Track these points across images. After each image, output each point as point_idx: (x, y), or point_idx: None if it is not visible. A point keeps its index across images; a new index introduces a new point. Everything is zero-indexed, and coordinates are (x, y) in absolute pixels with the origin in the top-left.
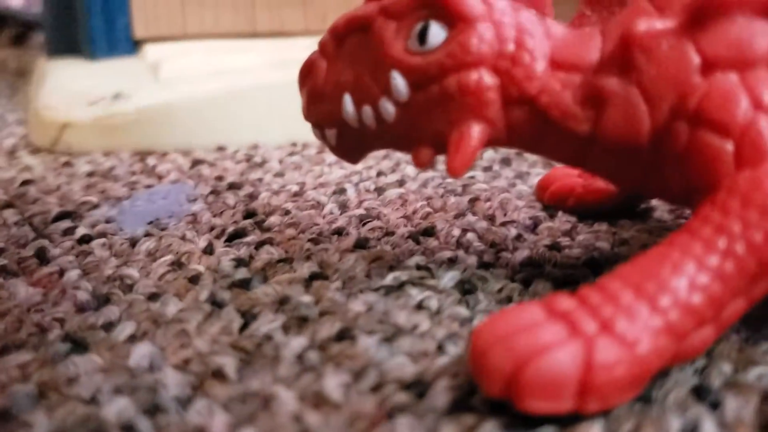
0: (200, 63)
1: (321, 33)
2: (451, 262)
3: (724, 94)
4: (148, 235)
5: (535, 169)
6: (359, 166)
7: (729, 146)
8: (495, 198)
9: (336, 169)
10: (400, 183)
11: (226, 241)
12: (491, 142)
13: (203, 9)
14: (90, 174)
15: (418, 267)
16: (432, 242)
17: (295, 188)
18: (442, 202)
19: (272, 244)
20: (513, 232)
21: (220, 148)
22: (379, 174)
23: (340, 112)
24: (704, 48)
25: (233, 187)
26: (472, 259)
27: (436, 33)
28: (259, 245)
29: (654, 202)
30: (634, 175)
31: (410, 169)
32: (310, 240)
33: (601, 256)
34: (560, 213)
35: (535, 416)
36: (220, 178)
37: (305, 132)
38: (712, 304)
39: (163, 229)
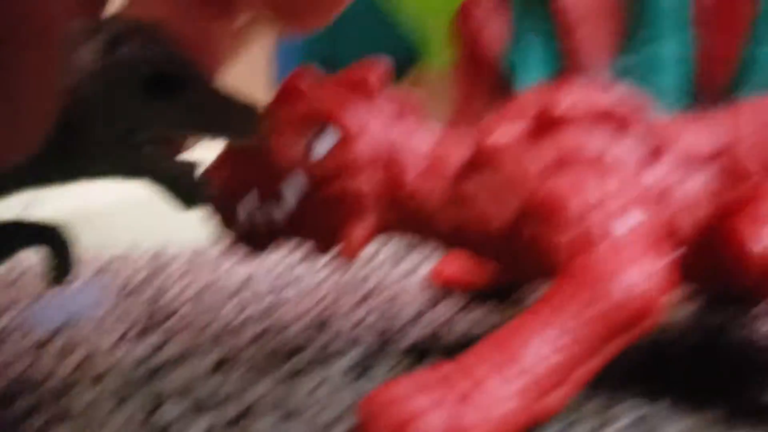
0: None
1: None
2: (346, 350)
3: (560, 194)
4: (56, 333)
5: (425, 263)
6: (257, 268)
7: (565, 239)
8: (386, 291)
9: (237, 271)
10: (297, 281)
11: (131, 340)
12: (374, 236)
13: None
14: None
15: (315, 355)
16: (328, 334)
17: (195, 291)
18: (335, 298)
19: (170, 342)
20: (404, 320)
21: (125, 253)
22: (277, 277)
23: (245, 207)
24: (544, 155)
25: (138, 290)
26: (365, 347)
27: (323, 144)
28: (162, 343)
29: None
30: (495, 263)
31: (303, 270)
32: (211, 336)
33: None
34: (452, 296)
35: None
36: (126, 281)
37: (206, 236)
38: (557, 371)
39: (71, 328)
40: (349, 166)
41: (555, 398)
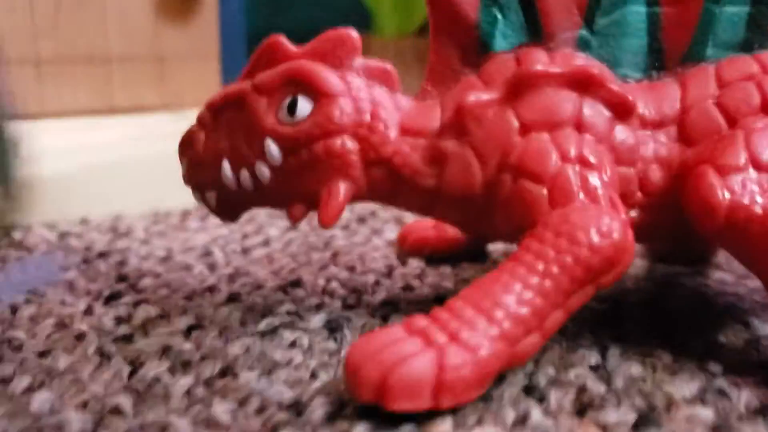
0: (61, 139)
1: (177, 108)
2: (318, 307)
3: (538, 150)
4: (28, 302)
5: (387, 225)
6: (224, 230)
7: (544, 191)
8: (354, 251)
9: (200, 235)
10: (265, 243)
11: (104, 303)
12: (355, 197)
13: (61, 86)
14: None
15: (289, 313)
16: (300, 292)
17: (162, 253)
18: (306, 258)
19: (148, 303)
20: (372, 278)
21: (84, 221)
22: (244, 237)
23: (220, 177)
24: (521, 114)
25: (103, 255)
26: (337, 303)
27: (303, 106)
28: (135, 305)
29: (491, 246)
30: (472, 220)
31: (273, 231)
32: (184, 298)
33: (446, 294)
34: (411, 260)
35: (399, 415)
36: (89, 248)
37: (166, 202)
38: (536, 315)
39: (41, 296)
40: (332, 126)
41: (532, 341)
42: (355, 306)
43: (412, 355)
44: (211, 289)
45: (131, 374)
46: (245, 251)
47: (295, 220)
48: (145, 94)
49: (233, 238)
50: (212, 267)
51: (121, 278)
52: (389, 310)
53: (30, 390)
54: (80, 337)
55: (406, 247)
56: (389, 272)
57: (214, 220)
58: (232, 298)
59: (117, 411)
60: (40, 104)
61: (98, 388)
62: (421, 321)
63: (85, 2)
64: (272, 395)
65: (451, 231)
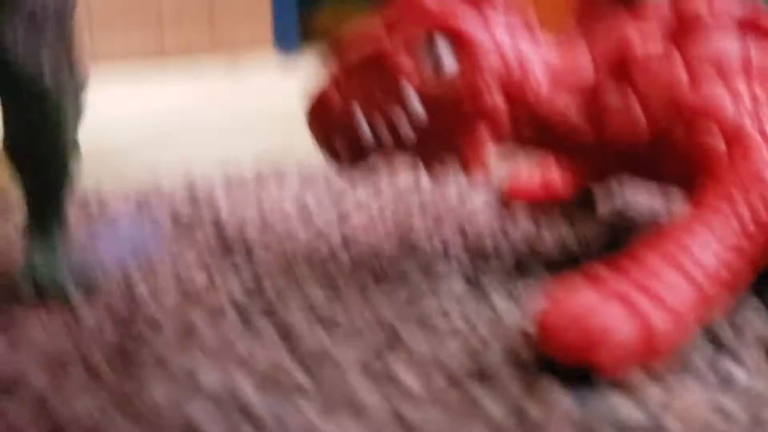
0: (122, 94)
1: (227, 51)
2: (449, 272)
3: (714, 101)
4: (141, 275)
5: (473, 190)
6: (309, 197)
7: (722, 144)
8: (455, 215)
9: (287, 202)
10: (359, 208)
11: (220, 275)
12: (499, 144)
13: (112, 31)
14: None
15: (423, 279)
16: (421, 257)
17: (258, 222)
18: (408, 223)
19: (271, 275)
20: (489, 242)
21: (157, 187)
22: (335, 202)
23: (357, 133)
24: (690, 61)
25: (195, 224)
26: (468, 268)
27: (451, 62)
28: (259, 276)
29: (600, 207)
30: (634, 170)
31: (361, 195)
32: (307, 267)
33: (577, 255)
34: (520, 223)
35: (603, 381)
36: (176, 217)
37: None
38: (731, 273)
39: (151, 269)
40: (482, 83)
41: (724, 298)
42: (487, 271)
43: (619, 322)
44: (331, 258)
45: (292, 348)
46: (342, 217)
47: (435, 176)
48: (195, 36)
49: (323, 204)
50: (319, 235)
51: (227, 248)
52: (528, 273)
53: (191, 373)
54: (218, 312)
55: (513, 200)
56: (504, 235)
57: (291, 183)
58: (358, 266)
59: (299, 388)
60: (90, 49)
61: (266, 367)
62: (611, 278)
63: None
64: (455, 367)
65: (561, 187)
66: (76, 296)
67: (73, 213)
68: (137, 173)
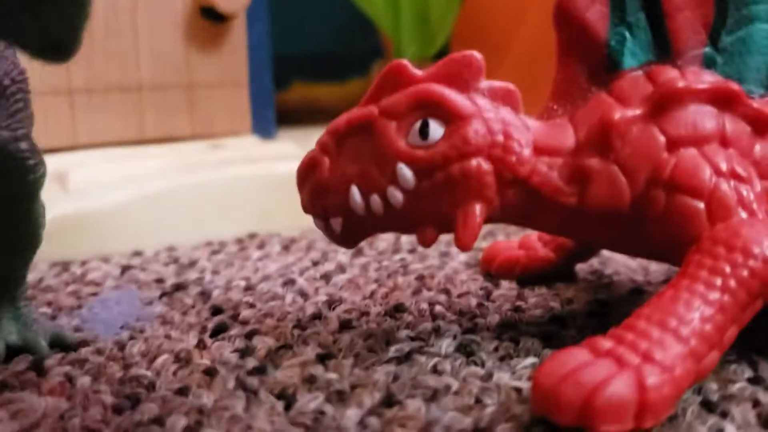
0: (104, 170)
1: (207, 137)
2: (437, 331)
3: (691, 165)
4: (131, 338)
5: (453, 249)
6: (290, 258)
7: (701, 206)
8: (438, 275)
9: (268, 263)
10: (341, 269)
11: (211, 336)
12: (489, 218)
13: (93, 118)
14: None
15: (411, 338)
16: (408, 317)
17: (242, 283)
18: (392, 282)
19: (261, 334)
20: (473, 301)
21: (137, 253)
22: (315, 264)
23: (348, 202)
24: (667, 130)
25: (180, 287)
26: (454, 327)
27: (435, 129)
28: (248, 336)
29: (578, 266)
30: (616, 237)
31: (341, 257)
32: (294, 327)
33: (560, 313)
34: (501, 282)
35: None
36: (160, 281)
37: (218, 231)
38: (718, 330)
39: (141, 332)
40: (468, 147)
41: (714, 357)
42: (474, 329)
43: (611, 377)
44: (317, 317)
45: (287, 407)
46: (325, 278)
47: (427, 244)
48: (176, 122)
49: (305, 266)
50: (303, 294)
51: (216, 310)
52: (513, 332)
53: (189, 429)
54: (210, 372)
55: (494, 268)
56: (487, 294)
57: (273, 248)
58: (345, 326)
59: None
60: (72, 136)
61: (264, 424)
62: (604, 342)
63: (116, 32)
64: (451, 422)
65: (541, 251)
66: (48, 353)
67: (55, 278)
68: (119, 237)
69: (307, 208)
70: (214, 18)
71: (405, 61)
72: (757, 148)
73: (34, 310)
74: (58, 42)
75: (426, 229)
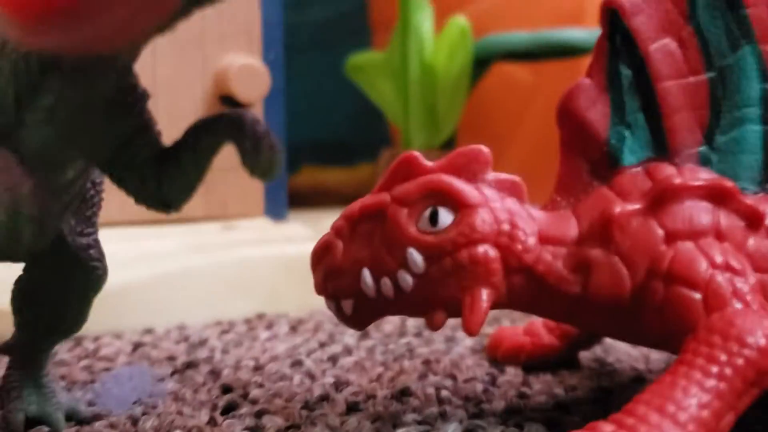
0: (119, 249)
1: (220, 218)
2: (443, 416)
3: (688, 258)
4: (144, 414)
5: (459, 333)
6: (297, 339)
7: (698, 297)
8: (444, 359)
9: (276, 343)
10: (348, 351)
11: (222, 413)
12: (495, 304)
13: (111, 199)
14: None
15: (418, 422)
16: (414, 401)
17: (251, 363)
18: (398, 366)
19: (270, 413)
20: (479, 387)
21: (149, 330)
22: (322, 345)
23: (359, 285)
24: (665, 223)
25: (191, 365)
26: (460, 412)
27: (445, 216)
28: (258, 415)
29: (582, 354)
30: (617, 326)
31: (348, 339)
32: (303, 407)
33: (564, 400)
34: (506, 368)
35: None
36: (172, 358)
37: (228, 310)
38: (715, 416)
39: (153, 407)
40: (476, 235)
41: None
42: (480, 414)
43: None
44: (325, 399)
45: None
46: (332, 359)
47: (435, 327)
48: (191, 204)
49: (312, 347)
50: (310, 376)
51: (226, 389)
52: (518, 418)
53: None
54: None
55: (499, 355)
56: (493, 380)
57: (281, 328)
58: (352, 408)
59: None
60: None
61: None
62: (605, 426)
63: None
64: None
65: (546, 338)
66: (64, 426)
67: (68, 353)
68: (131, 315)
69: (320, 289)
70: (232, 106)
71: (416, 153)
72: (751, 242)
73: (54, 382)
74: (169, 202)
75: (435, 313)
